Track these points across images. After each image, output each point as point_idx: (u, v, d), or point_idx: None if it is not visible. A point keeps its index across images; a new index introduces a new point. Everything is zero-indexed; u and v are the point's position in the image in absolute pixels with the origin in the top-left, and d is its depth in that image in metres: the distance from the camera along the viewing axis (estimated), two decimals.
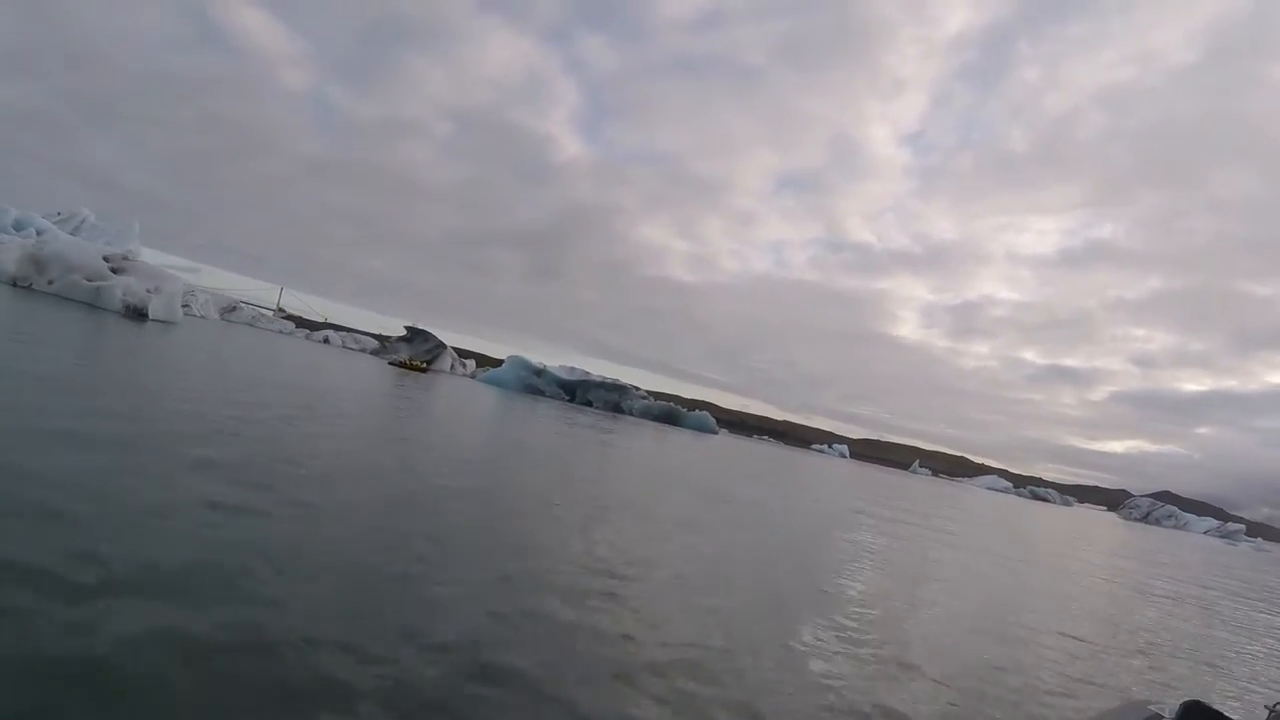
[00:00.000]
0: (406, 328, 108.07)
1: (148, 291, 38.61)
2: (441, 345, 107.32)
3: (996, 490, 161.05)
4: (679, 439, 59.94)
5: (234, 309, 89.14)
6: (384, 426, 16.67)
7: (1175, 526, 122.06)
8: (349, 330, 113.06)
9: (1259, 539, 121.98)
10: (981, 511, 48.37)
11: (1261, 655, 11.67)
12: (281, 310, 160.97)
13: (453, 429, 21.87)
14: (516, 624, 5.43)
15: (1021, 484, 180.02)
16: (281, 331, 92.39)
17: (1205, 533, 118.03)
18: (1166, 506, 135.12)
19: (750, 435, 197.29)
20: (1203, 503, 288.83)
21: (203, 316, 68.37)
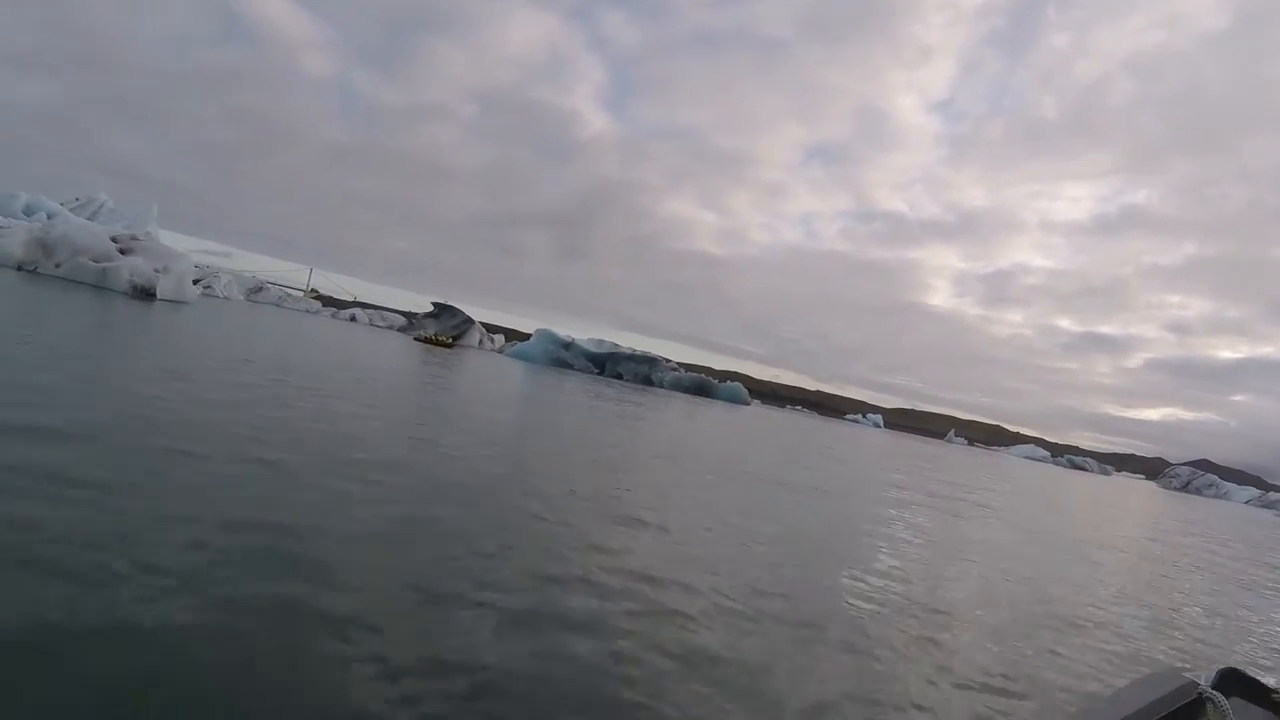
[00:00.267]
0: (434, 304, 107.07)
1: (155, 271, 37.29)
2: (469, 320, 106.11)
3: (1034, 459, 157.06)
4: (711, 411, 57.89)
5: (260, 290, 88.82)
6: (397, 405, 14.61)
7: (1216, 496, 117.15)
8: (376, 308, 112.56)
9: None
10: (1022, 482, 46.87)
11: None
12: (314, 291, 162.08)
13: (473, 406, 19.82)
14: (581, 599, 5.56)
15: (1059, 453, 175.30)
16: (308, 311, 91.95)
17: (1246, 502, 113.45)
18: (1207, 475, 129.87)
19: (783, 406, 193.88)
20: (1241, 471, 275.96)
21: (226, 298, 67.75)
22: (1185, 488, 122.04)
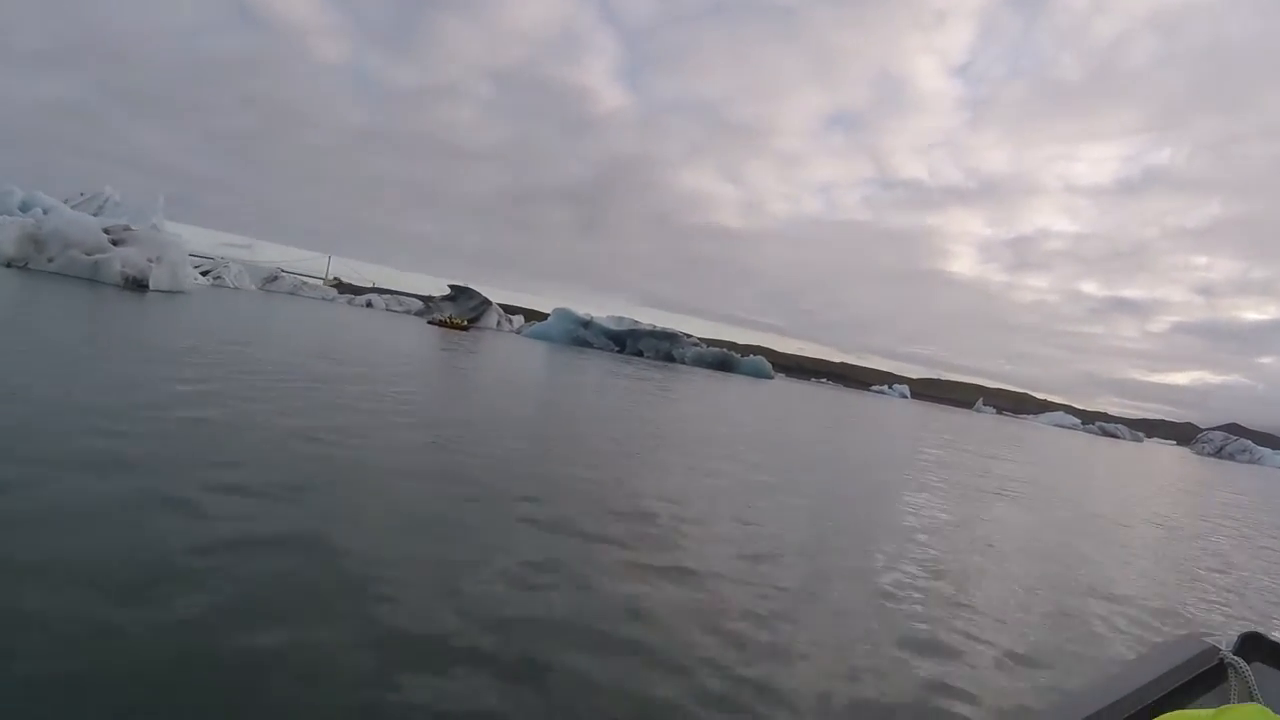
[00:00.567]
0: (450, 286, 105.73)
1: (149, 261, 35.92)
2: (486, 302, 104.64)
3: (1064, 427, 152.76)
4: (734, 386, 55.79)
5: (275, 279, 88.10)
6: (386, 397, 12.73)
7: (1249, 461, 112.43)
8: (393, 293, 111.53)
9: None
10: (1055, 452, 45.34)
11: None
12: (336, 279, 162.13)
13: (483, 394, 17.89)
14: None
15: (1089, 420, 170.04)
16: (323, 298, 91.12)
17: None
18: (1240, 440, 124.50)
19: (808, 379, 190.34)
20: (1271, 435, 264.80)
21: (237, 288, 66.79)
22: (1218, 453, 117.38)
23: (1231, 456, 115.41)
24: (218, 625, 3.85)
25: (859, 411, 54.98)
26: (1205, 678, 0.84)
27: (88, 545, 4.54)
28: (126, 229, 38.65)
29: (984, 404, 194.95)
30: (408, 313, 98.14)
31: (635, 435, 14.88)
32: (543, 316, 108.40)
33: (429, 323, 75.76)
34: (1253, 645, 0.87)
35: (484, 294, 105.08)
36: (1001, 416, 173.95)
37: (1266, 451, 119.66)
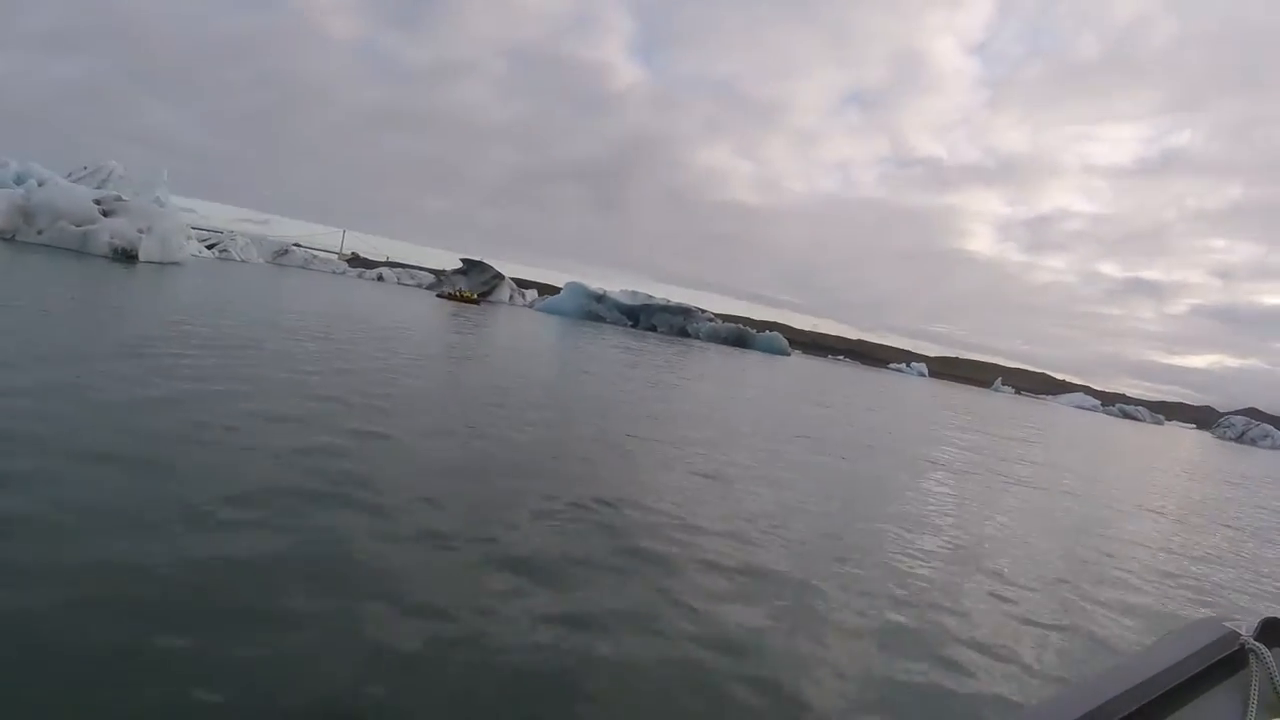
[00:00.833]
0: (463, 260, 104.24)
1: (139, 232, 34.70)
2: (499, 276, 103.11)
3: (1085, 409, 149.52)
4: (750, 362, 54.03)
5: (286, 252, 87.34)
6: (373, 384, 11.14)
7: (1272, 447, 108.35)
8: (405, 267, 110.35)
9: None
10: (1078, 434, 44.33)
11: None
12: (353, 254, 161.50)
13: (488, 373, 16.32)
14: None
15: (1109, 402, 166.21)
16: (334, 272, 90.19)
17: None
18: (1262, 425, 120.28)
19: (825, 356, 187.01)
20: None
21: (244, 261, 65.82)
22: (1240, 438, 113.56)
23: (1254, 442, 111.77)
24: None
25: (880, 390, 53.04)
26: (1225, 663, 0.81)
27: None
28: (118, 199, 37.45)
29: (1002, 383, 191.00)
30: (419, 286, 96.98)
31: (621, 426, 13.24)
32: (557, 291, 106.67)
33: (438, 296, 74.48)
34: (1274, 630, 0.85)
35: (497, 268, 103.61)
36: (1020, 397, 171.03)
37: None
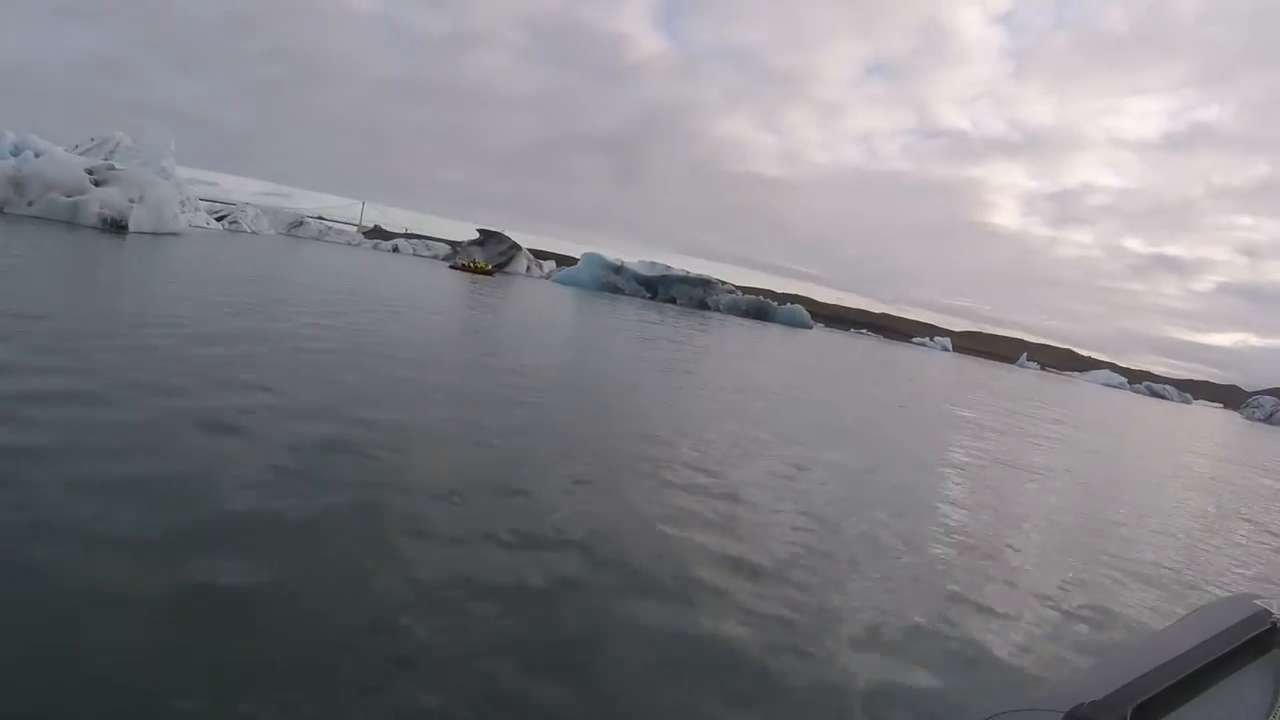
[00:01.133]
0: (479, 230, 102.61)
1: (130, 201, 33.42)
2: (516, 246, 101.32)
3: (1111, 386, 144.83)
4: (771, 335, 51.93)
5: (300, 224, 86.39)
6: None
7: None
8: (422, 238, 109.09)
9: None
10: (1110, 413, 43.55)
11: None
12: (375, 226, 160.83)
13: (495, 348, 14.59)
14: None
15: (1135, 379, 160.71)
16: (349, 243, 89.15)
17: None
18: None
19: (847, 329, 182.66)
20: None
21: (254, 232, 64.79)
22: (1269, 419, 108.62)
23: None
24: None
25: (905, 366, 50.74)
26: (1255, 642, 0.79)
27: None
28: (110, 168, 36.21)
29: (1027, 359, 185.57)
30: (435, 257, 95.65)
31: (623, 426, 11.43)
32: (575, 263, 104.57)
33: (451, 267, 72.94)
34: None
35: (514, 239, 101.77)
36: (1046, 373, 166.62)
37: None
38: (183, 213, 52.23)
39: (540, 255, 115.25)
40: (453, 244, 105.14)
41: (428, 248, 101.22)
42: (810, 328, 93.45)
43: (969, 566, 6.46)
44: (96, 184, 34.78)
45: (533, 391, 11.29)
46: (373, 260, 59.54)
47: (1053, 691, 0.69)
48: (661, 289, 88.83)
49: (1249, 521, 12.19)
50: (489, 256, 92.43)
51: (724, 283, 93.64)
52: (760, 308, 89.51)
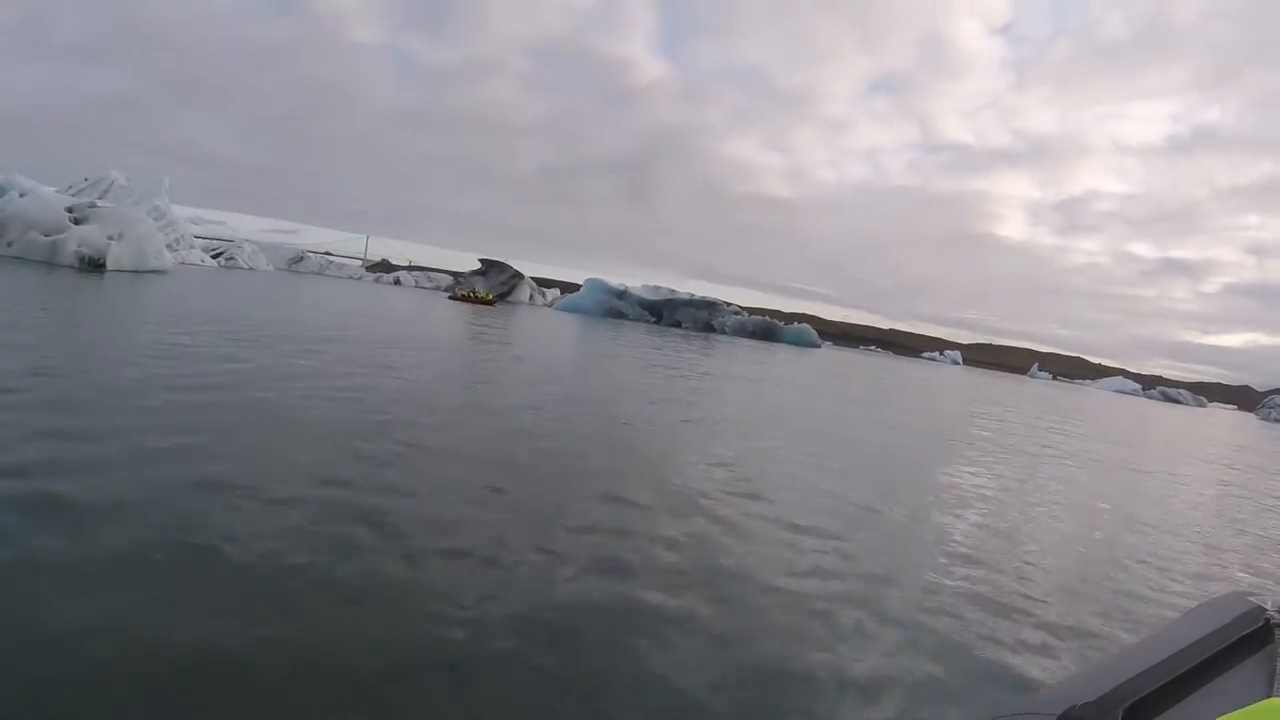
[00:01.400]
0: (481, 260, 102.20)
1: (109, 239, 32.53)
2: (518, 275, 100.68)
3: (1125, 393, 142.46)
4: (778, 356, 50.35)
5: (301, 259, 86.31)
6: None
7: None
8: (424, 269, 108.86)
9: None
10: (1127, 420, 42.33)
11: None
12: (384, 260, 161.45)
13: (478, 393, 12.88)
14: None
15: (1149, 385, 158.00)
16: (350, 277, 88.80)
17: None
18: None
19: (856, 346, 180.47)
20: None
21: (251, 268, 64.26)
22: None
23: None
24: None
25: (919, 382, 48.85)
26: (1251, 639, 0.79)
27: None
28: (91, 206, 35.46)
29: (1039, 369, 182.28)
30: (436, 289, 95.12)
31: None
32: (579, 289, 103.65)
33: (450, 298, 72.03)
34: None
35: (518, 268, 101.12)
36: (1058, 383, 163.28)
37: None
38: (174, 250, 51.65)
39: (546, 284, 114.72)
40: (455, 275, 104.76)
41: (430, 279, 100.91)
42: (818, 347, 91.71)
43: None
44: (76, 222, 33.97)
45: (504, 466, 9.70)
46: (369, 292, 58.65)
47: (1049, 694, 0.69)
48: (666, 313, 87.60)
49: None
50: (490, 286, 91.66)
51: (729, 304, 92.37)
52: (767, 328, 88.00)
